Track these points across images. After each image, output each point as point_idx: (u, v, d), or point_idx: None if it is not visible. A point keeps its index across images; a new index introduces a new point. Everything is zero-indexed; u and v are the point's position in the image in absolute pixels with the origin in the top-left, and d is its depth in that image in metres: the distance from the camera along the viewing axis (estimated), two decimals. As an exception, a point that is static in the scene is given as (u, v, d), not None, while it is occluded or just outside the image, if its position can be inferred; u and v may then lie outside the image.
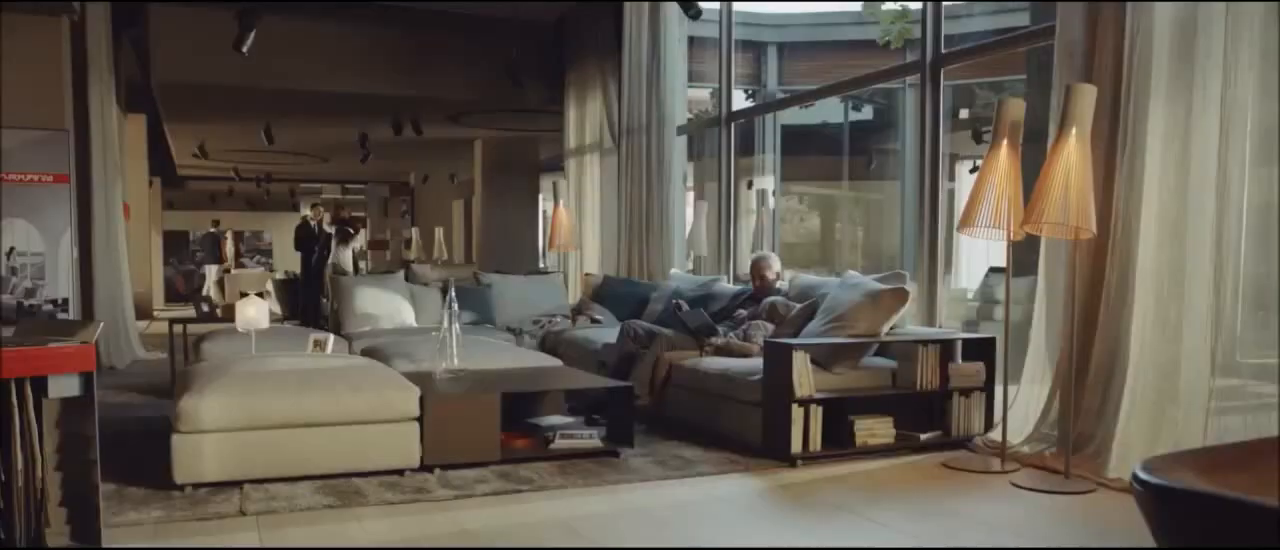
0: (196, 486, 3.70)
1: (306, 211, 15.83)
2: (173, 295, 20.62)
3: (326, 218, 13.29)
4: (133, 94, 10.69)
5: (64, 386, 2.40)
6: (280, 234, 23.76)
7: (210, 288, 18.89)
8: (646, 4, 7.94)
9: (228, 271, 19.76)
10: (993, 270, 8.15)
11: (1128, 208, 3.96)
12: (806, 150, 12.98)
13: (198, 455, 3.70)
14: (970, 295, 9.09)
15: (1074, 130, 3.84)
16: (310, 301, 11.75)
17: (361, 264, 16.39)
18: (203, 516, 3.41)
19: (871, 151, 13.52)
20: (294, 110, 11.01)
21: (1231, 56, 3.60)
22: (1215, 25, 3.65)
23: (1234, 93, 3.60)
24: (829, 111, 12.73)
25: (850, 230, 14.75)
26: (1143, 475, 1.29)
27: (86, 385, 2.45)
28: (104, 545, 2.58)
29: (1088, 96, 3.88)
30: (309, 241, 12.51)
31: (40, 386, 2.35)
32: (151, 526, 3.28)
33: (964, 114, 11.10)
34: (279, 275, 15.30)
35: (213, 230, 19.79)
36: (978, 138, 11.32)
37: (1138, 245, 3.91)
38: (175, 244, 21.93)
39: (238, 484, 3.75)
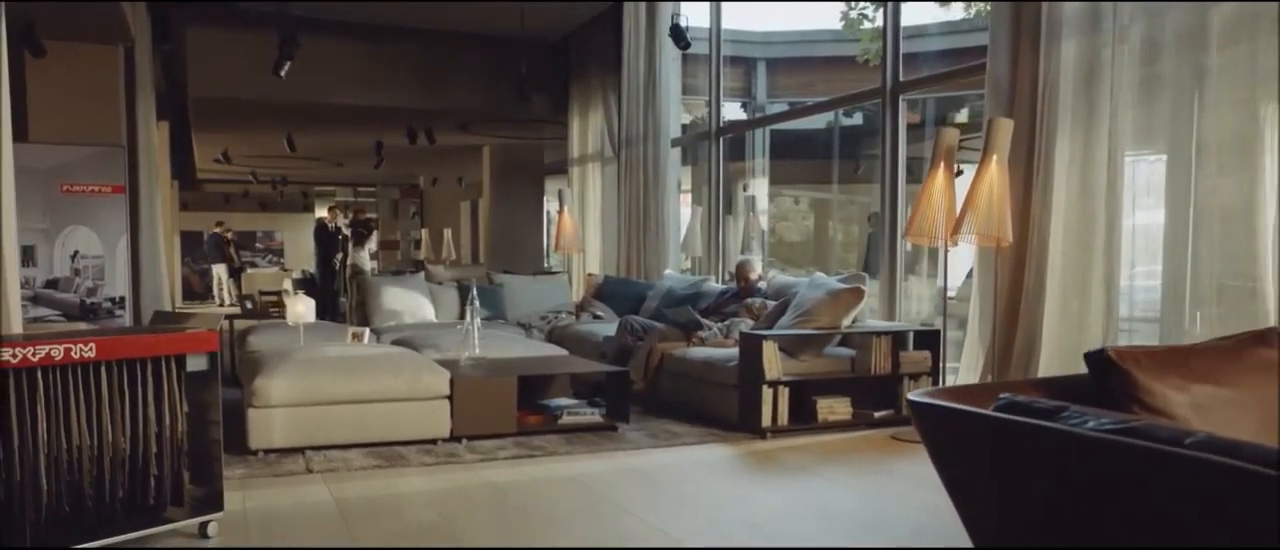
0: (268, 451, 4.49)
1: (323, 213, 16.63)
2: (189, 293, 21.41)
3: (343, 219, 14.08)
4: (158, 103, 11.45)
5: (196, 363, 3.18)
6: (293, 234, 24.57)
7: (226, 286, 19.71)
8: (643, 27, 8.71)
9: (242, 270, 20.58)
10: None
11: (1041, 221, 4.73)
12: (800, 154, 13.71)
13: (268, 426, 4.49)
14: (950, 293, 9.87)
15: (995, 156, 4.61)
16: (328, 299, 12.56)
17: (373, 263, 17.18)
18: (277, 473, 4.20)
19: (859, 157, 14.26)
20: (316, 120, 11.78)
21: (1116, 97, 4.38)
22: (1105, 71, 4.42)
23: (1118, 126, 4.37)
24: (823, 116, 13.44)
25: (841, 230, 15.49)
26: (910, 397, 2.06)
27: (212, 362, 3.23)
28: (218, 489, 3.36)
29: (1006, 128, 4.65)
30: (328, 241, 13.29)
31: (181, 363, 3.13)
32: (238, 481, 4.06)
33: (962, 115, 11.79)
34: (296, 275, 16.10)
35: (217, 230, 20.51)
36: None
37: (1048, 252, 4.69)
38: (190, 244, 22.72)
39: (301, 449, 4.54)
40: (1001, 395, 1.82)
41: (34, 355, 2.74)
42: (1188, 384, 2.00)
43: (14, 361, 2.70)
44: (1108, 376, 1.97)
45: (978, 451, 1.86)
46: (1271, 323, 3.84)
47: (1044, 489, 1.71)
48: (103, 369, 2.91)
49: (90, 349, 2.86)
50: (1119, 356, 1.98)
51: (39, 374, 2.77)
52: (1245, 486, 1.30)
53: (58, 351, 2.79)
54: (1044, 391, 1.95)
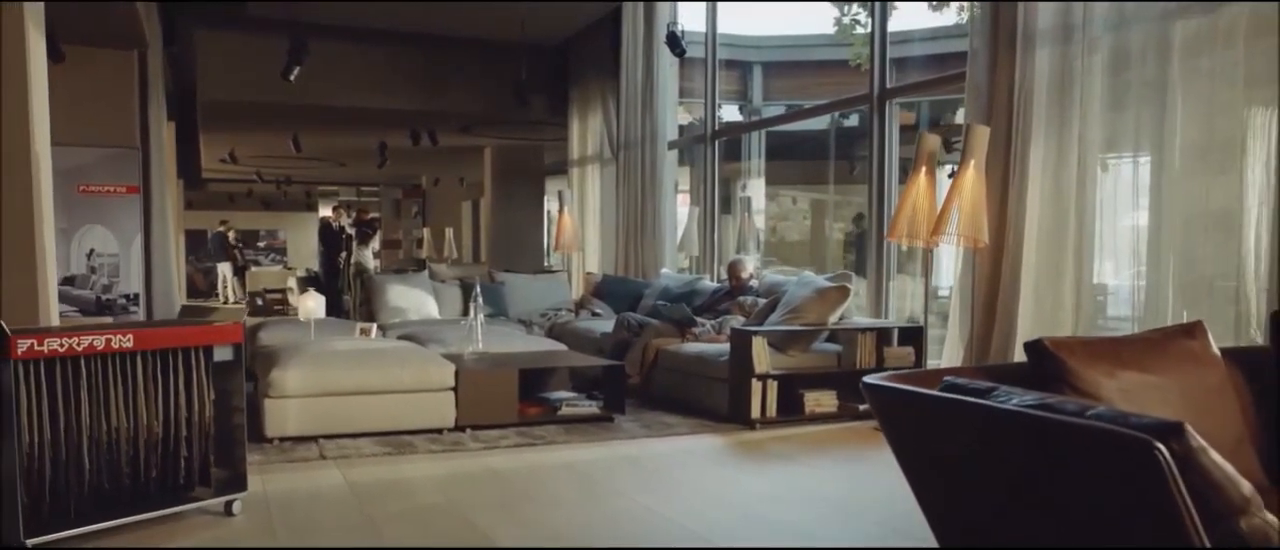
0: (283, 439, 4.75)
1: (327, 212, 16.90)
2: (193, 291, 21.66)
3: (347, 219, 14.35)
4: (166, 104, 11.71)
5: (223, 353, 3.43)
6: (295, 233, 24.83)
7: (231, 284, 19.98)
8: (641, 32, 8.97)
9: (247, 269, 20.85)
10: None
11: (1017, 222, 4.98)
12: (796, 155, 13.95)
13: (283, 415, 4.75)
14: (942, 292, 10.12)
15: (972, 162, 4.86)
16: (332, 296, 12.81)
17: (376, 262, 17.45)
18: (292, 459, 4.46)
19: (854, 159, 14.51)
20: (322, 122, 12.05)
21: (1087, 105, 4.63)
22: (1076, 79, 4.67)
23: (1088, 133, 4.63)
24: (820, 118, 13.68)
25: (839, 231, 15.74)
26: (864, 380, 2.31)
27: (236, 353, 3.48)
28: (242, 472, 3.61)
29: (982, 135, 4.90)
30: (332, 240, 13.55)
31: (209, 353, 3.38)
32: (256, 466, 4.29)
33: (959, 116, 12.01)
34: (300, 273, 16.38)
35: (221, 229, 20.75)
36: (948, 147, 12.34)
37: (1024, 251, 4.94)
38: (194, 243, 22.98)
39: (314, 438, 4.79)
40: (945, 378, 2.07)
41: (78, 345, 2.99)
42: (1116, 370, 2.25)
43: (61, 351, 2.95)
44: (1043, 363, 2.23)
45: (922, 429, 2.11)
46: (1253, 323, 4.06)
47: (977, 462, 1.95)
48: (138, 358, 3.17)
49: (128, 339, 3.12)
50: (1053, 345, 2.23)
51: (82, 362, 3.02)
52: (1129, 450, 1.55)
53: (99, 341, 3.04)
54: (989, 377, 2.19)
